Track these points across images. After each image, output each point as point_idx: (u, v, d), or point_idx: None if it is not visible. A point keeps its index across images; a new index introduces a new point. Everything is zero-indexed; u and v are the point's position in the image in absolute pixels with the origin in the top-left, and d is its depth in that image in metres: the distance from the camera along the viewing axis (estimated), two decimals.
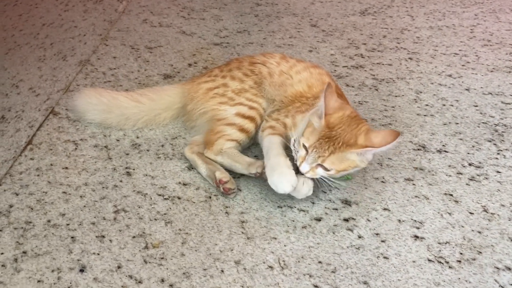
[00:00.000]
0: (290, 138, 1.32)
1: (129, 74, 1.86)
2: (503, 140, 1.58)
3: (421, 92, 1.82)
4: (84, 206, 1.30)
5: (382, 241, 1.24)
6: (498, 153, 1.53)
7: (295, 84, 1.47)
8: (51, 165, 1.43)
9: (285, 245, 1.22)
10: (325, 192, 1.37)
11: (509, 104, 1.76)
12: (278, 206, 1.32)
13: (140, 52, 2.01)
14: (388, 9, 2.46)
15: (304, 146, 1.25)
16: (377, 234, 1.26)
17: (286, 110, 1.42)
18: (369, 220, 1.29)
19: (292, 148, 1.29)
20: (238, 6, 2.46)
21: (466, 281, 1.15)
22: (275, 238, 1.24)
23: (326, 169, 1.24)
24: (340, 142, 1.22)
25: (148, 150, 1.49)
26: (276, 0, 2.52)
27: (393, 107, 1.73)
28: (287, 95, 1.46)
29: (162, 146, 1.52)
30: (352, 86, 1.84)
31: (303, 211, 1.31)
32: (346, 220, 1.29)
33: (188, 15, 2.34)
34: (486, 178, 1.44)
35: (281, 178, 1.23)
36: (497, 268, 1.18)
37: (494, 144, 1.57)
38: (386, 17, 2.38)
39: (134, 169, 1.42)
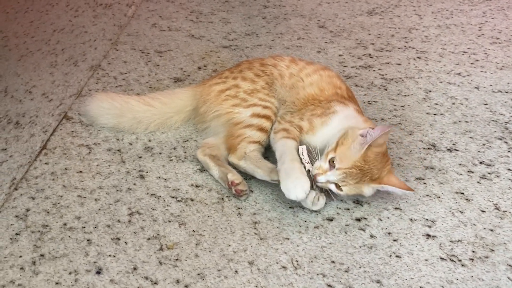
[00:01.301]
0: (302, 142, 1.34)
1: (140, 78, 1.89)
2: None
3: (430, 91, 1.82)
4: (99, 209, 1.32)
5: (394, 240, 1.25)
6: (508, 151, 1.53)
7: (307, 87, 1.48)
8: (66, 169, 1.45)
9: (298, 245, 1.23)
10: None
11: None
12: (290, 207, 1.33)
13: (150, 56, 2.04)
14: (396, 8, 2.46)
15: (331, 163, 1.25)
16: (389, 233, 1.26)
17: (301, 113, 1.42)
18: (381, 220, 1.30)
19: (301, 156, 1.30)
20: (245, 9, 2.48)
21: (479, 279, 1.15)
22: (288, 239, 1.25)
23: (339, 189, 1.27)
24: (368, 177, 1.25)
25: (160, 153, 1.51)
26: (283, 2, 2.53)
27: (402, 106, 1.74)
28: (299, 97, 1.47)
29: (174, 149, 1.53)
30: (361, 86, 1.85)
31: (315, 211, 1.32)
32: (358, 219, 1.30)
33: (196, 19, 2.37)
34: (497, 176, 1.44)
35: (296, 184, 1.23)
36: (510, 265, 1.18)
37: (505, 142, 1.57)
38: (393, 16, 2.39)
39: (147, 172, 1.44)
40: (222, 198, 1.36)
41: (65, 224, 1.28)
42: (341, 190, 1.27)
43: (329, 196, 1.31)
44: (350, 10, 2.45)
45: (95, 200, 1.35)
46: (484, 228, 1.28)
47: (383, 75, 1.92)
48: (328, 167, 1.26)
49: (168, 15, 2.39)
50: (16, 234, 1.25)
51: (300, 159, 1.30)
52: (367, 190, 1.28)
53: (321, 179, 1.26)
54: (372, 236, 1.26)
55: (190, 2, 2.54)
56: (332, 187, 1.28)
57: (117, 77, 1.89)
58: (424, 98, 1.78)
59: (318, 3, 2.52)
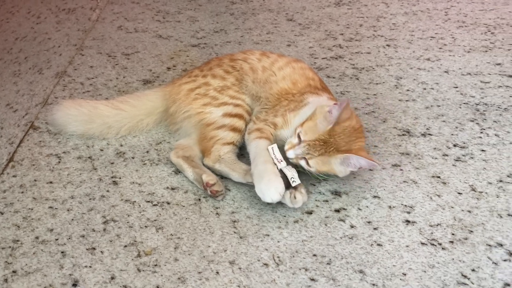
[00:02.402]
0: (278, 137, 1.33)
1: (107, 82, 1.84)
2: (485, 119, 1.60)
3: (401, 78, 1.83)
4: (72, 219, 1.28)
5: (375, 228, 1.24)
6: (481, 132, 1.55)
7: (279, 81, 1.46)
8: (35, 180, 1.40)
9: (278, 241, 1.21)
10: (314, 185, 1.37)
11: (488, 83, 1.78)
12: (268, 203, 1.31)
13: (117, 59, 1.99)
14: None
15: (299, 137, 1.27)
16: (369, 222, 1.26)
17: (274, 110, 1.41)
18: (360, 209, 1.30)
19: (272, 156, 1.28)
20: (213, 6, 2.44)
21: (460, 261, 1.16)
22: (268, 235, 1.23)
23: (308, 165, 1.27)
24: (332, 148, 1.24)
25: (133, 158, 1.48)
26: None
27: (374, 94, 1.74)
28: (273, 92, 1.45)
29: (147, 152, 1.50)
30: (333, 77, 1.84)
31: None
32: (337, 211, 1.30)
33: (163, 19, 2.32)
34: (472, 158, 1.45)
35: (269, 186, 1.21)
36: (489, 245, 1.19)
37: (477, 123, 1.58)
38: (361, 6, 2.39)
39: (120, 178, 1.40)
40: (199, 199, 1.33)
41: (37, 237, 1.23)
42: (310, 166, 1.27)
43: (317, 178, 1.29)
44: (318, 2, 2.44)
45: (68, 210, 1.31)
46: (462, 210, 1.28)
47: (354, 64, 1.92)
48: (297, 142, 1.28)
49: (133, 17, 2.34)
50: None
51: (272, 159, 1.28)
52: (337, 165, 1.26)
53: (290, 154, 1.28)
54: (352, 226, 1.25)
55: (156, 2, 2.49)
56: (303, 163, 1.28)
57: (84, 82, 1.84)
58: (395, 85, 1.79)
59: None
